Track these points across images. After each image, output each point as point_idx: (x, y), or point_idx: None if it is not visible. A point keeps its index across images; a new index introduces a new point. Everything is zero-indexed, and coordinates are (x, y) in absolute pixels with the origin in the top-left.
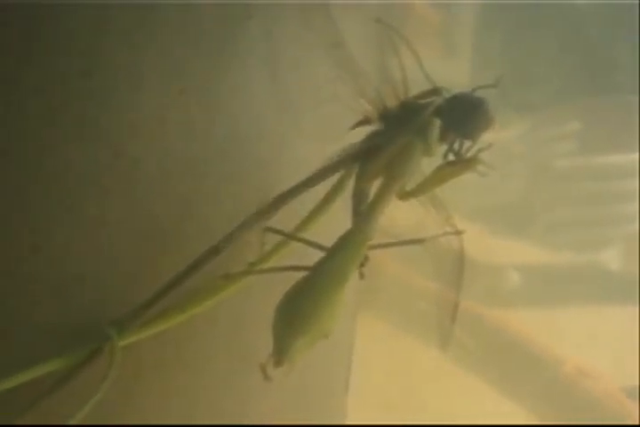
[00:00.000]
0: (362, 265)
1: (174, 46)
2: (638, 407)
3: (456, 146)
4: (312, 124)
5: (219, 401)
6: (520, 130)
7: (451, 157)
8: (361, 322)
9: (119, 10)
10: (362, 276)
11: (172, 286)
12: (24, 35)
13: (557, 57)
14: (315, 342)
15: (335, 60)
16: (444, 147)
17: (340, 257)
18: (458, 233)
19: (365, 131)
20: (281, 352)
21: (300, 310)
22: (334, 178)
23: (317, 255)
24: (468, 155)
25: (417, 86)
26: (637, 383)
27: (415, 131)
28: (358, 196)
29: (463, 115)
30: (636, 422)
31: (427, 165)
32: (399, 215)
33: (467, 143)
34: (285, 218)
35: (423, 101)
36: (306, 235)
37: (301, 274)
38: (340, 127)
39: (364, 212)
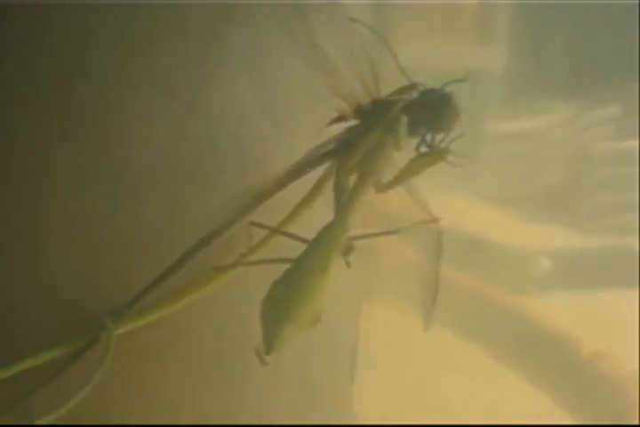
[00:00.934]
0: (347, 254)
1: (162, 47)
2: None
3: (428, 138)
4: (301, 123)
5: (215, 389)
6: (560, 115)
7: (423, 150)
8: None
9: (107, 10)
10: (349, 264)
11: (164, 277)
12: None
13: (597, 42)
14: (302, 330)
15: (311, 61)
16: (416, 141)
17: (321, 248)
18: (434, 221)
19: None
20: (269, 341)
21: (284, 300)
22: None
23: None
24: (441, 146)
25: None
26: None
27: (385, 127)
28: (338, 189)
29: (431, 109)
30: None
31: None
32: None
33: (438, 136)
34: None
35: (394, 98)
36: (293, 228)
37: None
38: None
39: (341, 204)
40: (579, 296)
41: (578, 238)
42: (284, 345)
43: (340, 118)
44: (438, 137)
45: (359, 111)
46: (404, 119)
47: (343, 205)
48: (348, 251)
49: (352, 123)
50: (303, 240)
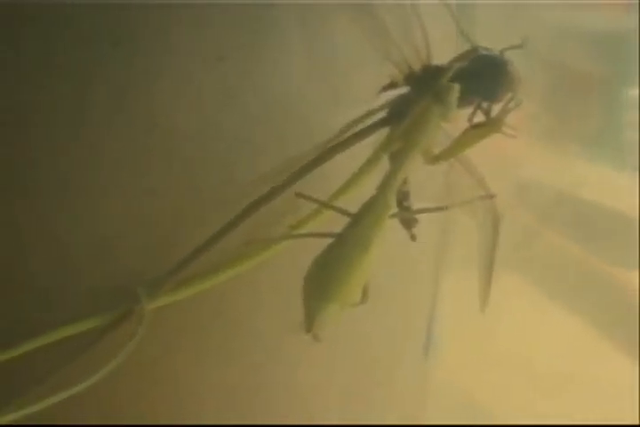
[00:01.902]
0: (411, 227)
1: (212, 14)
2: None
3: (484, 107)
4: (354, 90)
5: (262, 365)
6: None
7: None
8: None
9: None
10: (413, 238)
11: (209, 245)
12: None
13: None
14: (344, 309)
15: (363, 27)
16: (465, 111)
17: (363, 224)
18: (490, 197)
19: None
20: (310, 319)
21: (326, 277)
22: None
23: None
24: (494, 116)
25: None
26: None
27: (433, 95)
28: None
29: (486, 77)
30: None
31: None
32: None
33: (493, 105)
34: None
35: (445, 64)
36: (340, 202)
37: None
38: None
39: (384, 179)
40: None
41: None
42: (326, 324)
43: (392, 85)
44: (494, 106)
45: (410, 77)
46: (456, 87)
47: (385, 178)
48: (412, 224)
49: (404, 90)
50: (348, 214)
